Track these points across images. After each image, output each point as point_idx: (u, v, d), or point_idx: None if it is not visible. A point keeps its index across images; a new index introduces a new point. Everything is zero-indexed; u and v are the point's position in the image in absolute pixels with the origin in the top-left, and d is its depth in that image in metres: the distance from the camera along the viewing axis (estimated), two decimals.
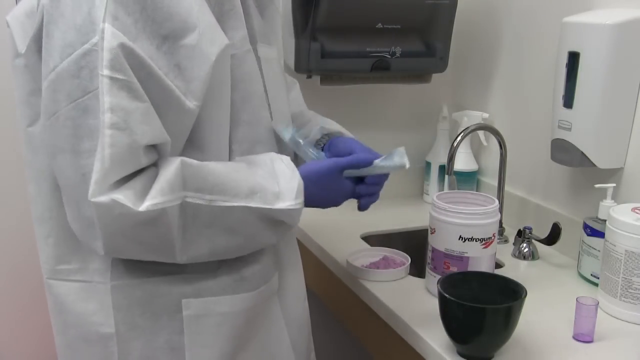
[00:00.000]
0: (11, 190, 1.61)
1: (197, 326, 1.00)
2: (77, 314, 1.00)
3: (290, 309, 1.14)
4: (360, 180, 1.10)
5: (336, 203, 1.09)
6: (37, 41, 0.92)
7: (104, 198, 0.84)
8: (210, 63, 0.91)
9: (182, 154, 0.95)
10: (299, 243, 1.65)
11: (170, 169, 0.89)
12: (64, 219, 0.97)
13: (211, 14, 0.93)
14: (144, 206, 0.86)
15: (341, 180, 1.07)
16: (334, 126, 1.27)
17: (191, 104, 0.91)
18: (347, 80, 1.75)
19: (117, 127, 0.85)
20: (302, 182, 0.99)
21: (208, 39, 0.91)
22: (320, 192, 1.04)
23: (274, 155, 1.03)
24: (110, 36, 0.84)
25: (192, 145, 0.96)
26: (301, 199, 0.99)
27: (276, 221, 0.99)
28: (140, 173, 0.89)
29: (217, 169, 0.94)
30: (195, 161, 0.92)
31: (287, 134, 1.08)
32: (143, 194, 0.87)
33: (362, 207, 1.13)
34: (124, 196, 0.85)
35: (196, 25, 0.90)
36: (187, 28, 0.89)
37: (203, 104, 0.94)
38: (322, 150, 1.20)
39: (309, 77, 1.69)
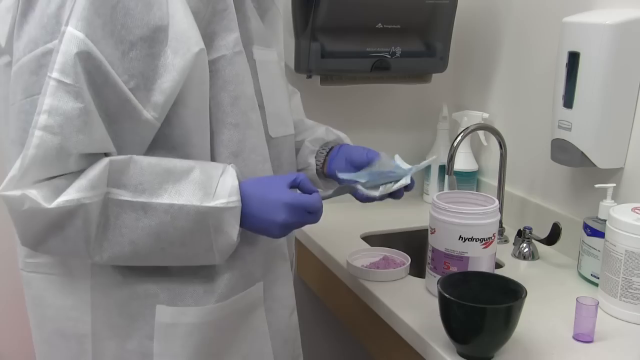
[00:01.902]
0: None
1: (167, 334, 0.99)
2: (56, 307, 1.00)
3: (276, 321, 1.11)
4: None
5: (274, 222, 0.96)
6: (13, 35, 0.93)
7: (14, 192, 0.84)
8: (175, 75, 0.90)
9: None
10: (299, 243, 1.66)
11: (97, 165, 0.88)
12: None
13: (186, 18, 0.91)
14: (55, 203, 0.85)
15: (279, 192, 0.97)
16: (338, 132, 1.27)
17: (149, 114, 0.90)
18: (347, 80, 1.75)
19: (50, 131, 0.84)
20: (237, 183, 0.94)
21: (177, 49, 0.90)
22: (257, 204, 0.96)
23: (228, 165, 0.97)
24: (68, 41, 0.84)
25: (175, 149, 0.96)
26: (236, 198, 0.93)
27: (210, 228, 0.93)
28: (69, 174, 0.88)
29: (147, 166, 0.91)
30: (124, 157, 0.90)
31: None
32: (61, 190, 0.86)
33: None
34: (37, 191, 0.85)
35: (167, 34, 0.89)
36: (156, 37, 0.89)
37: (181, 108, 0.93)
38: (331, 151, 1.21)
39: (309, 77, 1.69)
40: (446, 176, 1.52)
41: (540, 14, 1.59)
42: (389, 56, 1.68)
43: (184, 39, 0.91)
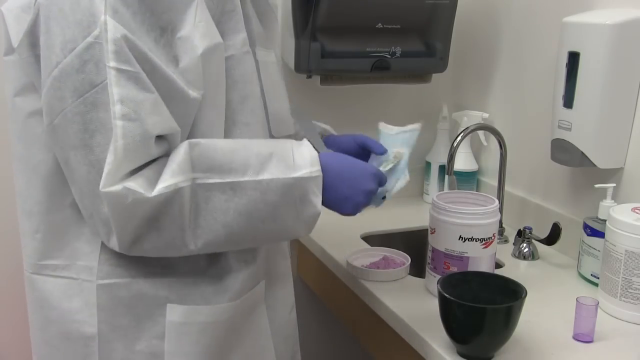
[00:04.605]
0: None
1: (178, 333, 0.99)
2: (61, 310, 0.99)
3: (277, 319, 1.13)
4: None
5: (362, 189, 1.03)
6: (30, 36, 0.91)
7: (116, 187, 0.85)
8: (197, 55, 0.91)
9: None
10: (299, 243, 1.66)
11: (179, 151, 0.90)
12: (53, 214, 0.97)
13: (206, 11, 0.93)
14: (156, 190, 0.87)
15: (364, 163, 1.05)
16: (322, 125, 1.32)
17: (194, 93, 0.92)
18: (347, 80, 1.75)
19: (128, 118, 0.85)
20: (316, 154, 0.98)
21: (201, 33, 0.91)
22: (342, 172, 1.02)
23: (294, 141, 1.02)
24: (112, 28, 0.84)
25: None
26: (317, 167, 0.97)
27: (296, 199, 0.96)
28: (152, 162, 0.89)
29: (226, 146, 0.94)
30: (202, 140, 0.92)
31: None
32: (155, 179, 0.88)
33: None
34: (135, 183, 0.86)
35: (193, 18, 0.90)
36: (183, 20, 0.90)
37: (208, 107, 0.94)
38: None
39: (309, 77, 1.69)
40: (446, 176, 1.52)
41: (540, 14, 1.59)
42: (389, 56, 1.68)
43: (210, 27, 0.93)
